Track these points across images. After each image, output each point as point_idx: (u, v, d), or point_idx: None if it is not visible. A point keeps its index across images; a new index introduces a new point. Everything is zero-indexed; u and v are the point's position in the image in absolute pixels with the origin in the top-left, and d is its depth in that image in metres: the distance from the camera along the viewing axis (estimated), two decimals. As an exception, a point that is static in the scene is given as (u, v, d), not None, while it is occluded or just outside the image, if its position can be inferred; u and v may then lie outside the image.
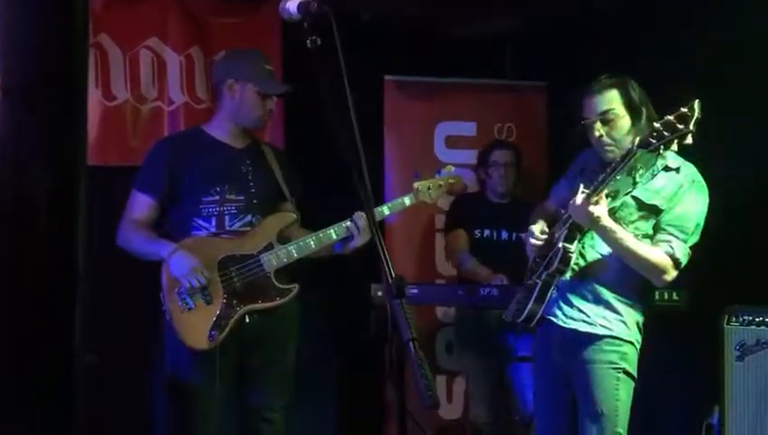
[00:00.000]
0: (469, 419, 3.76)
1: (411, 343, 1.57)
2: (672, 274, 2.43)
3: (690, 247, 2.44)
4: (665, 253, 2.41)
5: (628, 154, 2.30)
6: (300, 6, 1.79)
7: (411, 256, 4.15)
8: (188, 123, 3.63)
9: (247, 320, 2.76)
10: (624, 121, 2.46)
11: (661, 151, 2.28)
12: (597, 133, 2.47)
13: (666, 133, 2.20)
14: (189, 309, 2.70)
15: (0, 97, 1.39)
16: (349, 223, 2.79)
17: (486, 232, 3.66)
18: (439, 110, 4.22)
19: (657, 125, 2.23)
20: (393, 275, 1.62)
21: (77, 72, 1.49)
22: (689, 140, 2.23)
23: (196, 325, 2.69)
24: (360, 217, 2.78)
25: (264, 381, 2.86)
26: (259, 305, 2.78)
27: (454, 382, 4.07)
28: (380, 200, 4.01)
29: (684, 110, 2.20)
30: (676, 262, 2.42)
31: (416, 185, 2.96)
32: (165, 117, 3.66)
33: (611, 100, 2.46)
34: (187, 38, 3.69)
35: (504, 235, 3.64)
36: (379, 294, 3.29)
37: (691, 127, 2.18)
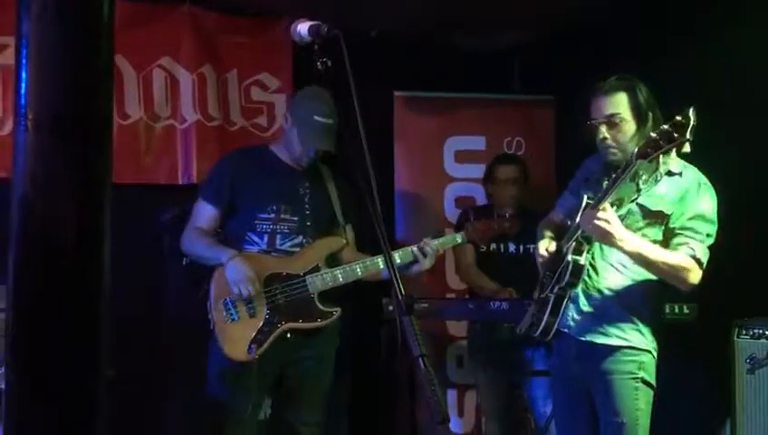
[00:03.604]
0: (482, 433, 3.76)
1: (421, 359, 1.59)
2: (698, 275, 2.41)
3: (708, 248, 2.43)
4: (687, 255, 2.40)
5: (628, 165, 2.30)
6: (311, 29, 1.82)
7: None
8: (200, 140, 3.67)
9: (288, 336, 2.82)
10: (629, 126, 2.45)
11: (660, 161, 2.28)
12: (602, 136, 2.48)
13: (662, 143, 2.20)
14: (233, 320, 2.77)
15: (31, 129, 1.46)
16: (414, 248, 2.87)
17: (493, 245, 3.65)
18: (448, 124, 4.25)
19: (653, 135, 2.22)
20: (403, 292, 1.65)
21: (104, 101, 1.56)
22: (687, 148, 2.23)
23: (238, 337, 2.77)
24: (428, 243, 2.87)
25: (301, 397, 2.92)
26: (299, 325, 2.83)
27: (465, 396, 4.07)
28: (390, 215, 4.06)
29: (678, 118, 2.18)
30: (699, 262, 2.41)
31: (468, 225, 3.07)
32: (177, 135, 3.70)
33: (619, 103, 2.46)
34: (199, 57, 3.74)
35: (512, 247, 3.64)
36: (391, 308, 3.31)
37: (687, 135, 2.17)
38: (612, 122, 2.46)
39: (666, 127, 2.21)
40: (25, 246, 1.52)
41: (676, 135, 2.18)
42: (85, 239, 1.53)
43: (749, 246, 3.17)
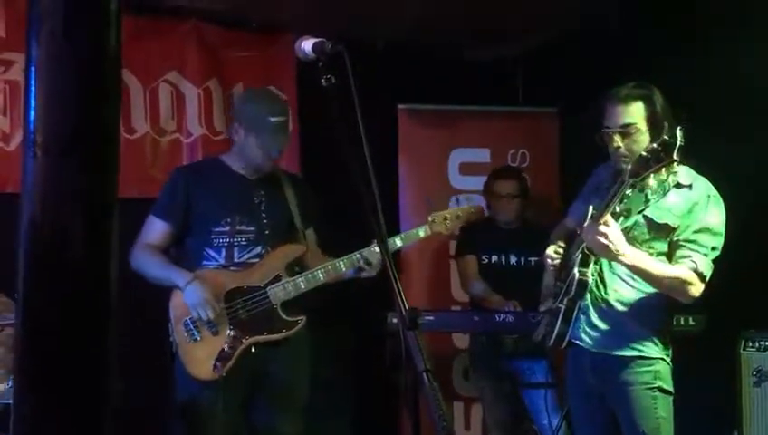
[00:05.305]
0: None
1: (425, 374, 1.59)
2: (699, 288, 2.40)
3: (713, 261, 2.42)
4: (688, 269, 2.39)
5: (623, 183, 2.31)
6: (315, 47, 1.83)
7: (426, 282, 4.17)
8: (206, 155, 3.68)
9: (253, 350, 2.78)
10: (644, 136, 2.41)
11: (651, 180, 2.29)
12: (615, 144, 2.44)
13: (652, 163, 2.22)
14: (195, 341, 2.74)
15: (39, 151, 1.49)
16: (358, 255, 2.80)
17: (494, 257, 3.66)
18: (453, 137, 4.27)
19: (644, 154, 2.24)
20: (406, 307, 1.65)
21: (111, 123, 1.59)
22: (676, 167, 2.24)
23: (201, 357, 2.73)
24: (372, 253, 2.78)
25: (274, 411, 2.87)
26: (264, 337, 2.79)
27: (471, 409, 4.06)
28: (395, 228, 4.06)
29: (666, 138, 2.20)
30: (700, 276, 2.39)
31: (431, 217, 2.96)
32: (183, 149, 3.74)
33: (635, 113, 2.41)
34: (205, 71, 3.77)
35: (513, 260, 3.64)
36: (395, 321, 3.31)
37: (675, 156, 2.19)
38: (627, 132, 2.42)
39: (655, 146, 2.22)
40: (34, 266, 1.55)
41: (663, 155, 2.20)
42: (93, 258, 1.55)
43: (756, 258, 3.16)
